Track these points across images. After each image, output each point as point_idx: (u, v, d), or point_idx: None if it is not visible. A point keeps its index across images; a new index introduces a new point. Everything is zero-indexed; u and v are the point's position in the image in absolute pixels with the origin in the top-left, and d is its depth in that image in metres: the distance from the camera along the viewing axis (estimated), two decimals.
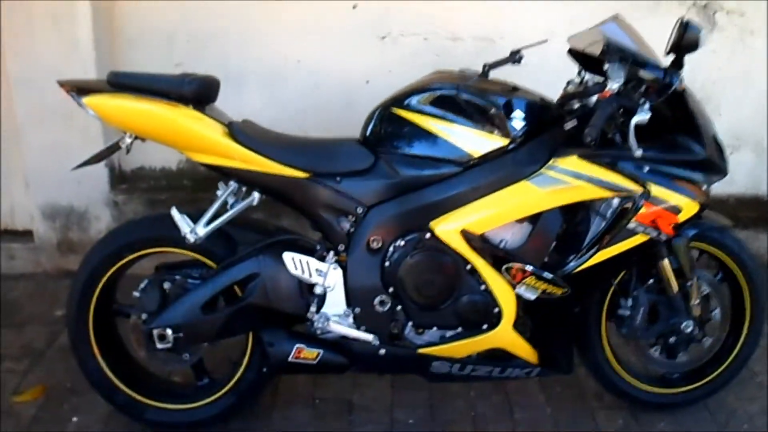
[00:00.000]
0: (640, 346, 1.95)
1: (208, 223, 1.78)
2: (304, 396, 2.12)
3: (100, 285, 1.89)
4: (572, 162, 1.71)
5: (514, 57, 1.88)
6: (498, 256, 1.74)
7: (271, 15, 2.73)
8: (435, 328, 1.82)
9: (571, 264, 1.74)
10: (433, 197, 1.75)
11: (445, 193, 1.74)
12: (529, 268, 1.73)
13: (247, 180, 1.80)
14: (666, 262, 1.84)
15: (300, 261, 1.79)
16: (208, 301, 1.82)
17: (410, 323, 1.82)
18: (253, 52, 2.77)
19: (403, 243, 1.78)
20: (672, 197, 1.72)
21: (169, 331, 1.80)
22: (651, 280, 1.89)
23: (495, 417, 2.04)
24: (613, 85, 1.62)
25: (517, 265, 1.73)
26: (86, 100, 1.71)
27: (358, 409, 2.08)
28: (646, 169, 1.71)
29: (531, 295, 1.76)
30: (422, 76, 1.90)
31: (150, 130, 1.73)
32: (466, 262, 1.76)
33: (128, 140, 1.78)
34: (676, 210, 1.73)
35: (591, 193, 1.71)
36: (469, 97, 1.73)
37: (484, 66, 1.84)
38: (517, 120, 1.73)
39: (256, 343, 1.91)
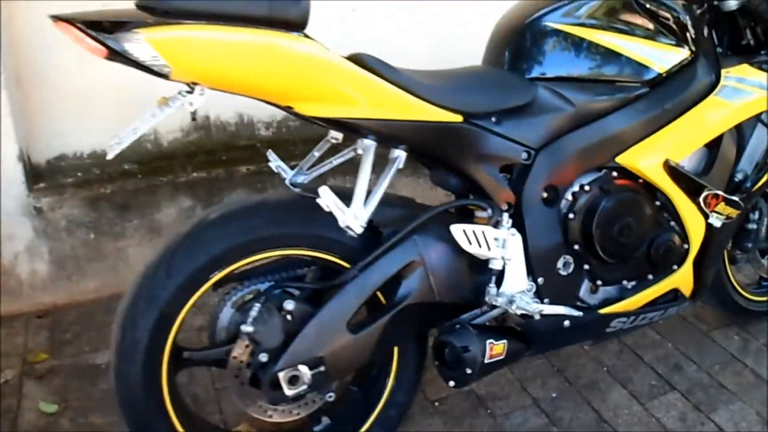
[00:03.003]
0: (753, 258, 1.90)
1: (365, 199, 1.24)
2: (414, 403, 1.68)
3: (174, 330, 1.24)
4: (745, 71, 1.54)
5: None
6: (696, 185, 1.51)
7: None
8: (624, 282, 1.54)
9: (749, 182, 1.59)
10: (617, 126, 1.44)
11: (633, 120, 1.44)
12: (720, 193, 1.54)
13: (391, 134, 1.28)
14: None
15: (474, 233, 1.35)
16: (355, 313, 1.30)
17: (586, 283, 1.52)
18: None
19: (587, 187, 1.44)
20: None
21: (304, 369, 1.25)
22: None
23: (626, 366, 1.84)
24: None
25: (712, 192, 1.52)
26: (145, 34, 1.02)
27: (490, 399, 1.72)
28: None
29: (719, 223, 1.57)
30: None
31: (247, 73, 1.10)
32: (655, 198, 1.51)
33: (199, 95, 1.13)
34: None
35: None
36: (648, 3, 1.44)
37: None
38: (689, 26, 1.49)
39: (404, 353, 1.44)
